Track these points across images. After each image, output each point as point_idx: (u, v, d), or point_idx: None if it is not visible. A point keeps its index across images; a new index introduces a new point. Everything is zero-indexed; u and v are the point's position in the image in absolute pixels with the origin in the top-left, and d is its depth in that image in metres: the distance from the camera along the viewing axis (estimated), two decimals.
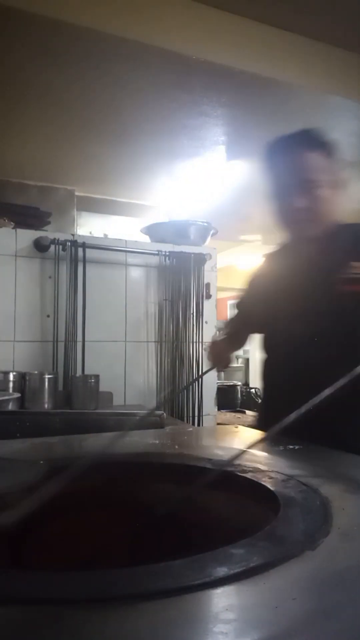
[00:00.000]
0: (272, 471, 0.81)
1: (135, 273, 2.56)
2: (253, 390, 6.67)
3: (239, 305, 1.66)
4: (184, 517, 0.80)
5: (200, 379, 2.55)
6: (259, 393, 6.60)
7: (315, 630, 0.39)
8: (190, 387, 2.54)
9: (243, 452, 0.84)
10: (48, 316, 2.34)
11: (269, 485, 0.73)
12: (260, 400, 1.61)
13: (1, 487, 0.74)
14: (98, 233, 3.65)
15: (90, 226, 3.73)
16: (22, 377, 2.13)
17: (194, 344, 2.58)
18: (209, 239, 2.85)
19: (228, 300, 11.69)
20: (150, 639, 0.38)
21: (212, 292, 2.67)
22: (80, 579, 0.47)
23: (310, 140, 1.26)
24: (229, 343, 1.56)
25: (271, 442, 1.04)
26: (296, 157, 1.27)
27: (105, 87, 2.41)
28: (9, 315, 2.28)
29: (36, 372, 2.17)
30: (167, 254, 2.58)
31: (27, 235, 2.34)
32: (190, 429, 1.94)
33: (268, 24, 2.28)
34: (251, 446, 0.91)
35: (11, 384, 2.09)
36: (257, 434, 1.27)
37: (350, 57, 2.50)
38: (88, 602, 0.42)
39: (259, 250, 6.91)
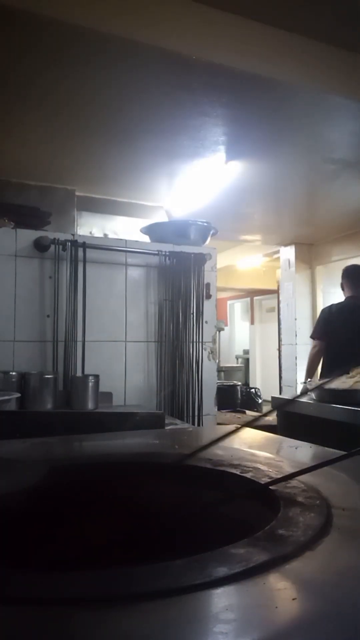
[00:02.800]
0: (272, 471, 0.81)
1: (135, 273, 2.56)
2: (253, 390, 6.67)
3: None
4: (184, 517, 0.80)
5: (200, 382, 2.55)
6: (259, 393, 6.63)
7: (315, 630, 0.39)
8: (190, 387, 2.54)
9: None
10: (48, 316, 2.34)
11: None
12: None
13: (1, 487, 0.74)
14: (98, 233, 3.66)
15: (90, 226, 3.74)
16: (22, 377, 2.13)
17: (194, 344, 2.58)
18: (209, 239, 2.85)
19: (228, 300, 11.70)
20: (150, 639, 0.38)
21: (212, 292, 2.67)
22: (80, 579, 0.47)
23: None
24: None
25: (272, 442, 1.04)
26: None
27: (105, 87, 2.42)
28: (9, 315, 2.28)
29: (36, 372, 2.17)
30: (167, 254, 2.58)
31: (27, 235, 2.34)
32: (190, 429, 1.94)
33: (268, 24, 2.28)
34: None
35: (11, 384, 2.09)
36: (257, 434, 1.28)
37: (350, 57, 2.50)
38: (88, 602, 0.42)
39: (259, 250, 6.92)
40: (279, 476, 0.77)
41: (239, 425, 1.34)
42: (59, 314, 2.33)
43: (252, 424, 2.18)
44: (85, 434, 1.29)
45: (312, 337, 3.82)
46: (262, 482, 0.74)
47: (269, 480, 0.75)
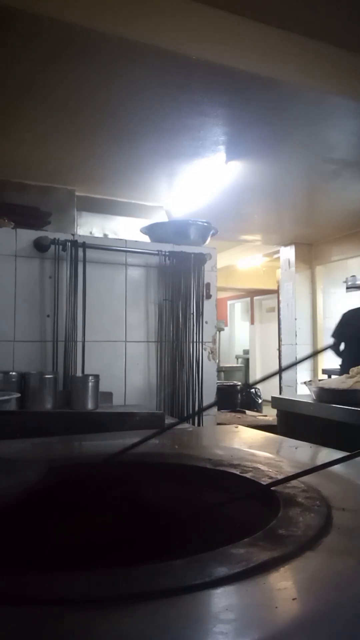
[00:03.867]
0: (272, 471, 0.81)
1: (135, 273, 2.56)
2: (253, 391, 6.67)
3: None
4: (184, 517, 0.80)
5: (200, 382, 2.55)
6: (259, 393, 6.65)
7: (315, 630, 0.39)
8: (190, 387, 2.54)
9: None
10: (48, 316, 2.34)
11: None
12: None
13: (1, 487, 0.74)
14: (98, 233, 3.66)
15: (90, 226, 3.74)
16: (22, 377, 2.13)
17: (194, 344, 2.58)
18: (209, 239, 2.85)
19: (228, 300, 11.70)
20: (150, 639, 0.38)
21: (212, 292, 2.67)
22: (80, 579, 0.47)
23: None
24: None
25: (272, 442, 1.04)
26: None
27: (105, 87, 2.42)
28: (9, 315, 2.28)
29: (36, 372, 2.17)
30: (167, 254, 2.58)
31: (27, 235, 2.34)
32: (190, 429, 1.94)
33: (268, 24, 2.28)
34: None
35: (11, 384, 2.09)
36: (257, 434, 1.28)
37: (350, 57, 2.50)
38: (88, 602, 0.42)
39: (259, 250, 6.92)
40: (279, 476, 0.77)
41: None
42: (59, 314, 2.33)
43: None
44: (85, 434, 1.29)
45: (332, 336, 4.73)
46: (262, 482, 0.74)
47: (269, 480, 0.75)
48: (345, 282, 5.91)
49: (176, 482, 0.87)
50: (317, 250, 5.97)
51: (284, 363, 6.17)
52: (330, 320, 6.01)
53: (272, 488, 0.71)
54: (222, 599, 0.43)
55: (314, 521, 0.59)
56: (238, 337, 11.75)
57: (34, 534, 0.80)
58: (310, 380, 2.72)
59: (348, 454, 0.77)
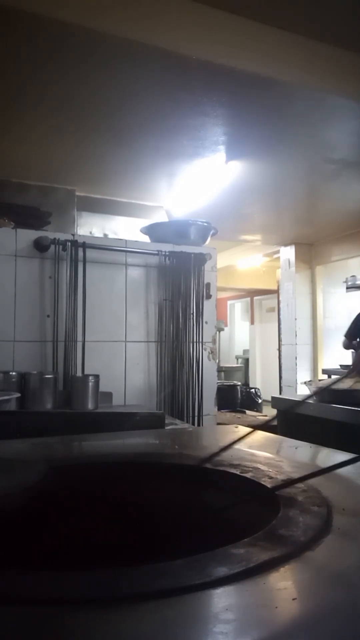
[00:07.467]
0: (272, 471, 0.81)
1: (135, 273, 2.55)
2: (253, 390, 6.67)
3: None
4: (184, 517, 0.80)
5: (200, 382, 2.55)
6: (259, 393, 6.64)
7: (315, 630, 0.39)
8: (190, 387, 2.54)
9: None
10: (48, 316, 2.34)
11: (268, 485, 0.73)
12: None
13: (1, 487, 0.74)
14: (98, 233, 3.66)
15: (90, 226, 3.74)
16: (22, 377, 2.13)
17: (194, 344, 2.58)
18: (209, 239, 2.85)
19: (228, 300, 11.70)
20: (150, 639, 0.38)
21: (212, 292, 2.67)
22: (80, 578, 0.47)
23: None
24: None
25: (272, 442, 1.04)
26: None
27: (105, 87, 2.42)
28: (9, 315, 2.28)
29: (36, 372, 2.17)
30: (167, 254, 2.58)
31: (27, 235, 2.34)
32: (190, 429, 1.94)
33: (268, 24, 2.28)
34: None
35: (11, 384, 2.09)
36: (257, 434, 1.27)
37: (350, 57, 2.50)
38: (88, 602, 0.42)
39: (259, 250, 6.92)
40: (279, 476, 0.77)
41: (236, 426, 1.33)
42: (59, 314, 2.33)
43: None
44: (85, 434, 1.29)
45: (344, 335, 4.77)
46: (263, 482, 0.74)
47: (269, 480, 0.75)
48: (345, 282, 5.92)
49: (176, 482, 0.87)
50: (317, 250, 5.97)
51: (284, 363, 6.17)
52: (330, 320, 6.02)
53: (271, 487, 0.71)
54: (222, 599, 0.43)
55: (314, 521, 0.59)
56: (238, 337, 11.75)
57: (33, 534, 0.80)
58: (310, 380, 2.72)
59: (351, 454, 0.77)
